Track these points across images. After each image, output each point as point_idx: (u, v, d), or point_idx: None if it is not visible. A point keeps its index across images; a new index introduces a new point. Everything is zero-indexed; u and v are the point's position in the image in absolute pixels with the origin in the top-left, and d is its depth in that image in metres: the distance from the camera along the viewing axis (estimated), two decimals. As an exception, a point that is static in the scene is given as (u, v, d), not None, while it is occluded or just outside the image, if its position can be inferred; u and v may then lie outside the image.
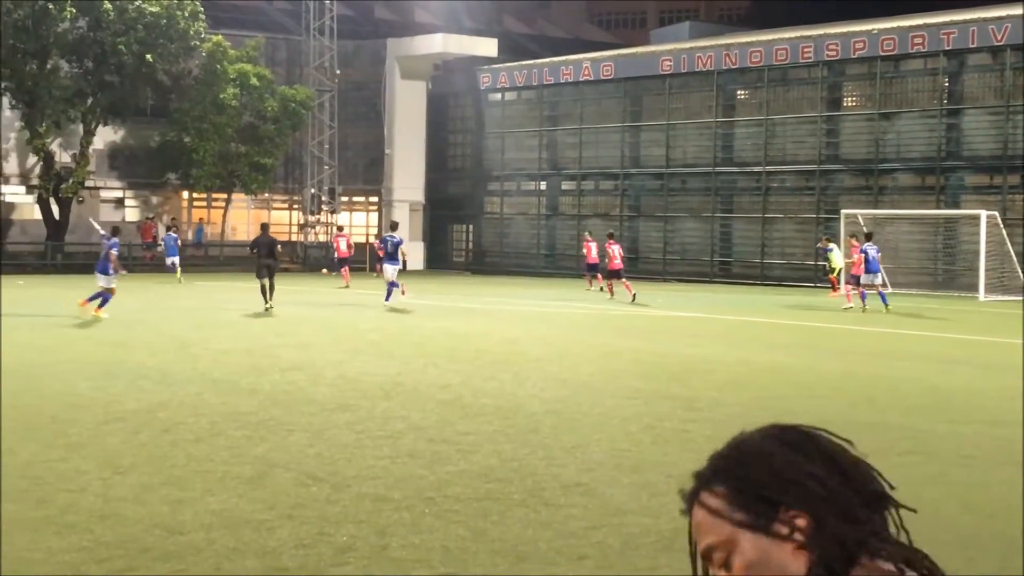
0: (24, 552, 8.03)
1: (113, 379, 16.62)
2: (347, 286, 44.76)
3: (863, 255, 35.78)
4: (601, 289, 42.92)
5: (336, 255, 48.74)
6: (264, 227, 36.65)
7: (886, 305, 34.28)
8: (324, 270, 54.24)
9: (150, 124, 60.57)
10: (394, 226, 38.45)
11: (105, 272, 28.40)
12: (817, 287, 48.55)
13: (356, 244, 65.27)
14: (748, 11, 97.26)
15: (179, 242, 49.92)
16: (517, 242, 62.39)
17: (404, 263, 36.48)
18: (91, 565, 7.74)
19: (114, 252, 28.62)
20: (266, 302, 31.47)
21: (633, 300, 36.96)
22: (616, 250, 40.46)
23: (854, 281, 36.74)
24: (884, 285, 36.53)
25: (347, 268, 48.26)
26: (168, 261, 49.31)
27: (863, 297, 35.37)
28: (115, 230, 30.14)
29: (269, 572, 7.66)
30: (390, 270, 35.06)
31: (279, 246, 35.77)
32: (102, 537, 8.40)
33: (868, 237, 37.71)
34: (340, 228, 55.46)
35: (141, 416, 13.55)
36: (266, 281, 32.16)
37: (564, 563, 7.95)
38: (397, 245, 34.22)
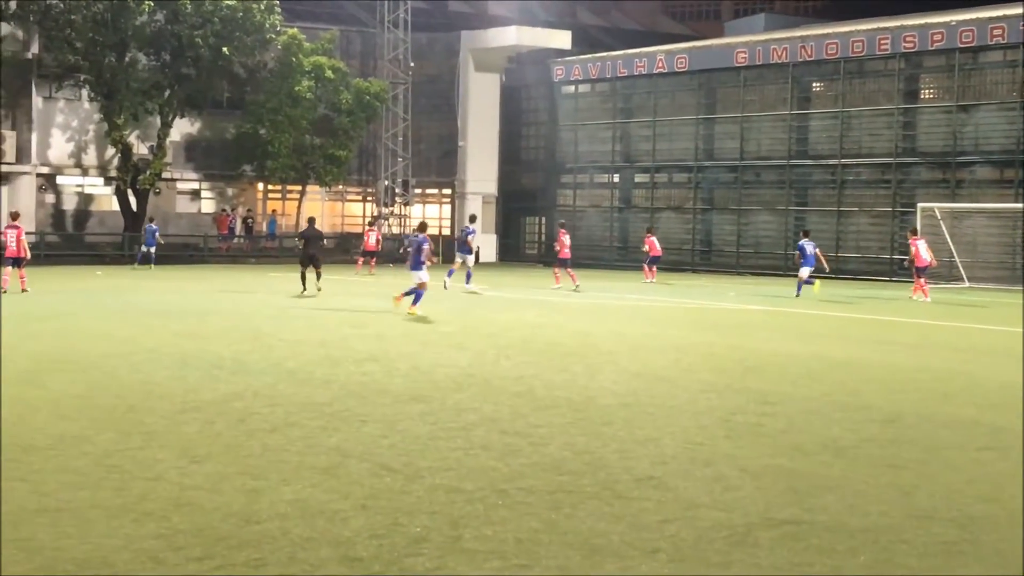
0: (103, 539, 8.13)
1: (189, 369, 16.78)
2: (371, 274, 46.59)
3: (800, 250, 38.87)
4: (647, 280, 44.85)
5: (363, 247, 48.96)
6: (311, 220, 38.76)
7: (798, 295, 37.32)
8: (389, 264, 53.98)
9: (226, 116, 61.14)
10: (472, 218, 40.54)
11: (418, 268, 28.59)
12: (893, 281, 48.11)
13: (432, 236, 65.60)
14: (824, 3, 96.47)
15: (157, 234, 49.89)
16: (590, 235, 62.30)
17: (476, 255, 37.95)
18: (168, 553, 7.82)
19: (426, 247, 29.06)
20: (304, 287, 34.78)
21: (575, 289, 38.95)
22: (567, 239, 41.62)
23: (919, 273, 37.84)
24: (811, 280, 38.57)
25: (373, 260, 48.83)
26: (143, 250, 49.32)
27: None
28: (423, 226, 30.80)
29: (343, 562, 7.70)
30: (468, 259, 38.77)
31: (323, 240, 38.32)
32: (179, 525, 8.48)
33: (805, 234, 40.63)
34: (372, 223, 55.57)
35: (217, 406, 13.67)
36: (308, 269, 35.14)
37: (636, 556, 7.94)
38: (469, 235, 35.10)
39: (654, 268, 46.35)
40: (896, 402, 15.02)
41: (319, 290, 34.70)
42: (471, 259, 39.60)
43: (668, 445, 11.80)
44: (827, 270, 40.78)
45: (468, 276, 38.67)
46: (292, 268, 51.08)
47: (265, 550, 7.90)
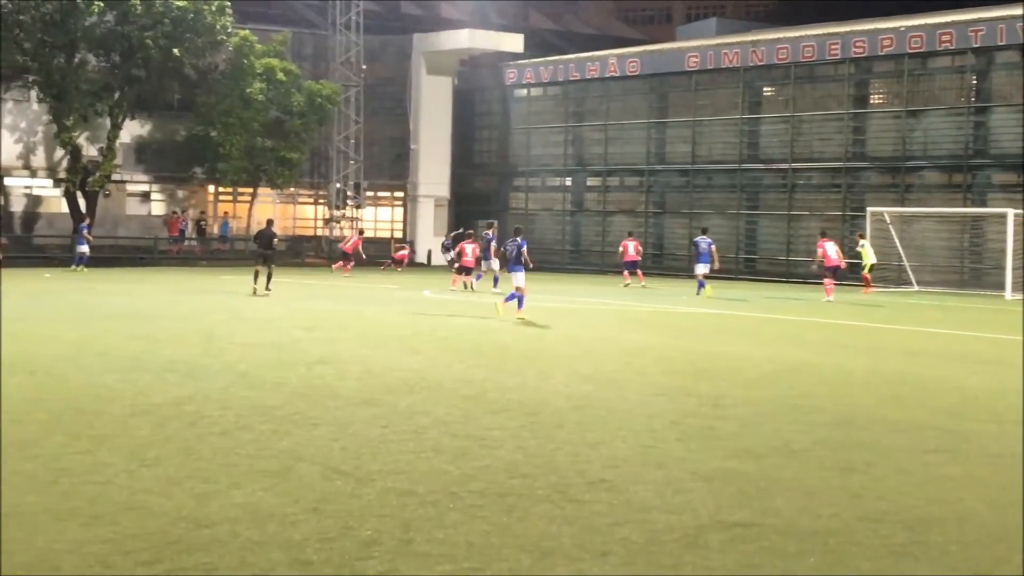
0: (51, 543, 8.06)
1: (140, 372, 16.66)
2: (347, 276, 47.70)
3: (695, 247, 40.87)
4: (626, 285, 44.67)
5: (343, 249, 50.08)
6: (268, 222, 39.91)
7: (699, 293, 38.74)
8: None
9: (177, 118, 60.82)
10: (490, 225, 41.66)
11: (519, 270, 28.95)
12: (844, 284, 48.41)
13: (380, 239, 65.64)
14: (775, 8, 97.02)
15: (88, 232, 49.81)
16: (542, 238, 62.37)
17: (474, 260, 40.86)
18: (117, 557, 7.76)
19: (524, 249, 29.72)
20: (255, 285, 35.80)
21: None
22: (471, 248, 42.14)
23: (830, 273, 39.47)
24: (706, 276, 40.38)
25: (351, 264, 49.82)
26: (78, 251, 49.10)
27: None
28: (517, 231, 31.44)
29: (294, 566, 7.66)
30: (492, 264, 40.15)
31: (276, 239, 38.78)
32: (128, 529, 8.42)
33: (703, 231, 42.51)
34: (362, 232, 55.83)
35: (167, 409, 13.59)
36: (261, 268, 36.30)
37: (588, 559, 7.95)
38: (490, 241, 34.53)
39: (637, 272, 46.42)
40: (847, 405, 15.11)
41: (268, 291, 35.42)
42: (495, 263, 39.89)
43: (620, 448, 11.82)
44: (716, 268, 41.11)
45: (496, 280, 39.57)
46: (244, 271, 50.94)
47: (215, 554, 7.86)
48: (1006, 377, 18.71)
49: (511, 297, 28.40)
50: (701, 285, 39.14)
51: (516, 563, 7.82)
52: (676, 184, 58.28)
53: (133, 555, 7.80)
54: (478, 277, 40.85)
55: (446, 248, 47.94)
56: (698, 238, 40.88)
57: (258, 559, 7.78)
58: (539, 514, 9.08)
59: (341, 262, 50.77)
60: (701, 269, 39.49)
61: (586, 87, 62.03)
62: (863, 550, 8.30)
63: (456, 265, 41.97)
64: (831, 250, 39.90)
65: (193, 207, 64.20)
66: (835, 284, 39.62)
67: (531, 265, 30.14)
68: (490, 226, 43.87)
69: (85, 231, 49.71)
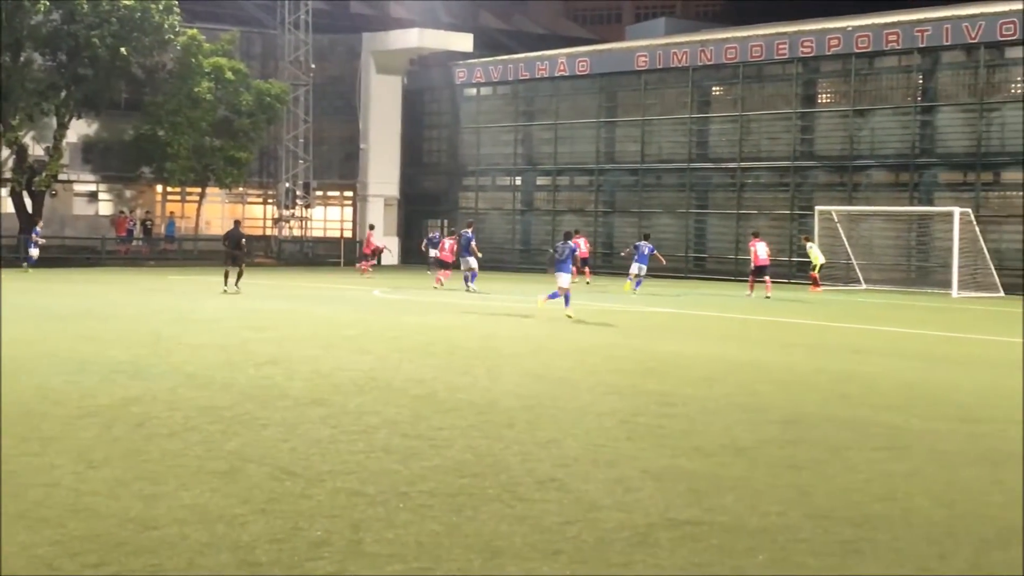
0: (-4, 547, 7.99)
1: (87, 373, 16.54)
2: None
3: (633, 249, 42.33)
4: (587, 283, 45.37)
5: (364, 249, 49.68)
6: (236, 223, 40.42)
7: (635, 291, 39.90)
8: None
9: (124, 117, 60.36)
10: (469, 224, 41.51)
11: (566, 270, 29.42)
12: (792, 283, 48.67)
13: (330, 239, 65.44)
14: (723, 8, 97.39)
15: (38, 234, 49.66)
16: (492, 237, 62.31)
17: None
18: (64, 560, 7.70)
19: (578, 252, 30.78)
20: (225, 285, 36.70)
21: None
22: (449, 243, 44.22)
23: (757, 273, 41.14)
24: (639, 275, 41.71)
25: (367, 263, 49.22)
26: (29, 252, 48.89)
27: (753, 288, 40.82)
28: (567, 234, 31.72)
29: (242, 567, 7.63)
30: (471, 261, 40.45)
31: (244, 239, 39.98)
32: (75, 531, 8.35)
33: (646, 237, 43.55)
34: (372, 227, 55.09)
35: (115, 410, 13.49)
36: (231, 267, 37.35)
37: (538, 558, 7.95)
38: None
39: (585, 270, 47.26)
40: (795, 403, 15.19)
41: (237, 289, 36.31)
42: (473, 261, 40.75)
43: (570, 447, 11.83)
44: (663, 263, 42.78)
45: (472, 277, 40.53)
46: (192, 271, 50.70)
47: (163, 556, 7.81)
48: (951, 375, 18.88)
49: (554, 296, 29.51)
50: (638, 283, 39.81)
51: (466, 563, 7.81)
52: (626, 183, 58.41)
53: (80, 557, 7.74)
54: (473, 276, 40.78)
55: (433, 244, 47.82)
56: (640, 243, 41.56)
57: (206, 561, 7.74)
58: (489, 513, 9.08)
59: (363, 263, 50.20)
60: (635, 268, 40.50)
61: (536, 86, 62.06)
62: (811, 547, 8.35)
63: (434, 257, 43.58)
64: (761, 250, 41.16)
65: (141, 207, 63.76)
66: (768, 282, 41.15)
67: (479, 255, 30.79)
68: (469, 224, 44.31)
69: (36, 234, 49.41)
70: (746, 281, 42.59)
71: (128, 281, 42.35)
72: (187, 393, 14.95)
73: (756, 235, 43.22)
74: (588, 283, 45.58)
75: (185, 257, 60.05)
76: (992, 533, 8.83)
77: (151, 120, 58.61)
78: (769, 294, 40.19)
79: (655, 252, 41.59)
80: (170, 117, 57.97)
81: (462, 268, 41.28)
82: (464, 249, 41.37)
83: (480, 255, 42.13)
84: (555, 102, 60.73)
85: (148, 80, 59.47)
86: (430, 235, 43.30)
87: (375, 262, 50.81)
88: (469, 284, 40.33)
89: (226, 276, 37.33)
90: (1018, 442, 12.66)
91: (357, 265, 50.43)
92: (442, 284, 41.90)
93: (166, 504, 9.18)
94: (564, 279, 29.21)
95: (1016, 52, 46.60)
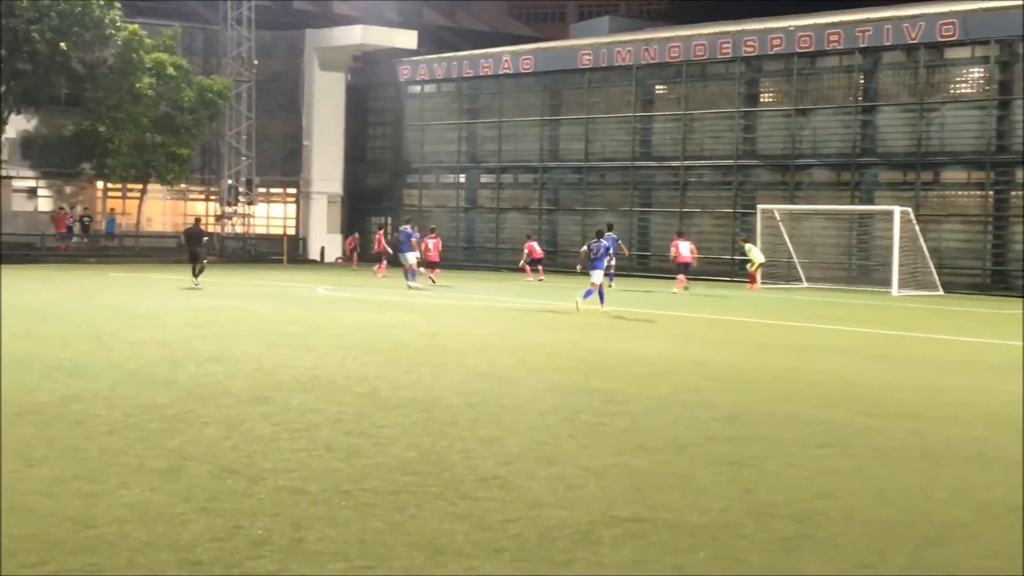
0: (-68, 546, 7.89)
1: (26, 371, 16.37)
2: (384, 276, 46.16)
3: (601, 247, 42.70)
4: (540, 280, 46.60)
5: (376, 249, 48.53)
6: (196, 220, 41.59)
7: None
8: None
9: (64, 113, 59.84)
10: (610, 227, 41.41)
11: (600, 268, 30.71)
12: (734, 281, 48.93)
13: (273, 236, 65.14)
14: (667, 7, 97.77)
15: None
16: (436, 234, 62.20)
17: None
18: (1, 559, 7.61)
19: (613, 250, 31.38)
20: (194, 277, 37.61)
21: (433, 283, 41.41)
22: (432, 243, 44.79)
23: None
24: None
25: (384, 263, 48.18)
26: None
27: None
28: (600, 232, 32.72)
29: (183, 566, 7.56)
30: (409, 257, 40.86)
31: (204, 237, 40.64)
32: (12, 531, 8.25)
33: (609, 228, 42.68)
34: (380, 227, 54.23)
35: (54, 408, 13.36)
36: (195, 264, 38.23)
37: (481, 556, 7.93)
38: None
39: (539, 268, 47.73)
40: (738, 401, 15.25)
41: (197, 284, 37.23)
42: (411, 257, 41.45)
43: (513, 445, 11.83)
44: (626, 255, 43.49)
45: (412, 274, 41.05)
46: (134, 268, 50.33)
47: (102, 555, 7.73)
48: (892, 372, 19.03)
49: (588, 294, 30.29)
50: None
51: (409, 561, 7.79)
52: (569, 181, 58.50)
53: (18, 557, 7.65)
54: (413, 274, 41.16)
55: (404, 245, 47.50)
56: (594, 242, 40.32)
57: (146, 560, 7.67)
58: (432, 511, 9.06)
59: (379, 266, 48.65)
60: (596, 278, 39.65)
61: (480, 84, 62.05)
62: (752, 544, 8.38)
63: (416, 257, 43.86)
64: (684, 248, 42.82)
65: (81, 203, 63.21)
66: (683, 279, 42.52)
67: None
68: (408, 220, 44.99)
69: None
70: (701, 279, 42.96)
71: (68, 278, 41.97)
72: (128, 391, 14.83)
73: (680, 234, 44.98)
74: (541, 280, 46.03)
75: (126, 254, 59.63)
76: (932, 530, 8.90)
77: (91, 116, 58.13)
78: (677, 289, 41.55)
79: (619, 242, 41.65)
80: (111, 113, 57.50)
81: (408, 262, 41.54)
82: (405, 244, 41.68)
83: (420, 253, 42.71)
84: (499, 100, 60.74)
85: (88, 75, 58.96)
86: (408, 232, 42.01)
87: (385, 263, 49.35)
88: (412, 279, 40.57)
89: (193, 271, 38.30)
90: (956, 438, 12.78)
91: (374, 268, 48.34)
92: (434, 282, 42.41)
93: (105, 503, 9.10)
94: (596, 276, 30.37)
95: (955, 53, 47.06)
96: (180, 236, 41.15)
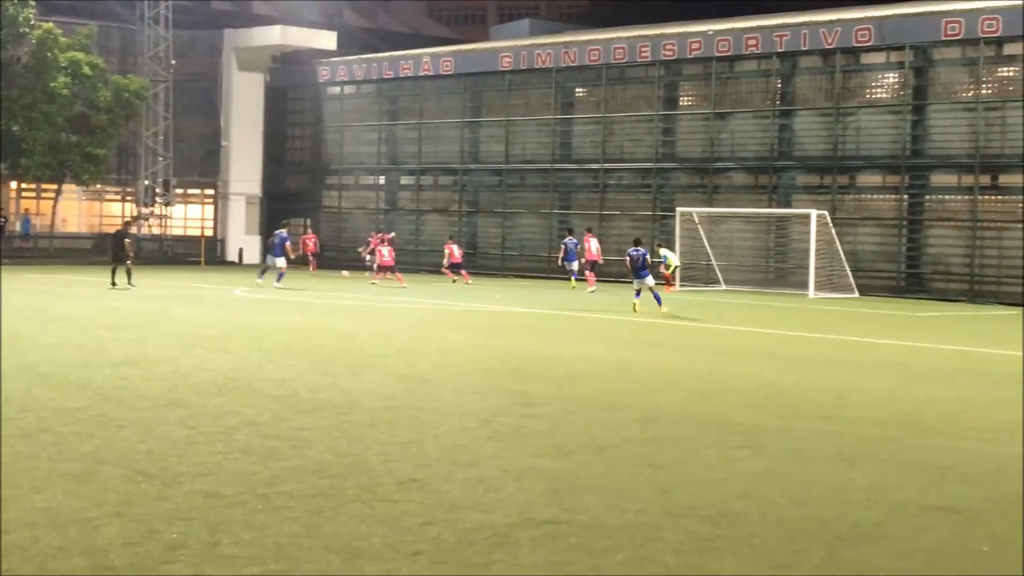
0: None
1: (-65, 374, 16.12)
2: (403, 287, 43.98)
3: (565, 246, 45.25)
4: (454, 281, 46.86)
5: (378, 262, 46.97)
6: (125, 223, 44.27)
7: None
8: (344, 272, 51.10)
9: (-24, 112, 58.86)
10: (637, 241, 40.39)
11: (647, 274, 32.86)
12: (657, 284, 49.11)
13: (190, 237, 64.57)
14: (587, 10, 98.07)
15: None
16: (356, 237, 61.95)
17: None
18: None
19: (642, 257, 32.66)
20: (113, 281, 37.90)
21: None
22: (387, 250, 45.65)
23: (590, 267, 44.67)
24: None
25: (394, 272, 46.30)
26: None
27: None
28: (637, 240, 34.25)
29: (96, 571, 7.48)
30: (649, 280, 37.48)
31: (127, 239, 40.50)
32: (-80, 537, 8.13)
33: (570, 232, 45.98)
34: (385, 232, 52.45)
35: (-36, 412, 13.17)
36: (119, 266, 38.60)
37: (398, 559, 7.92)
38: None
39: (462, 272, 47.82)
40: (657, 403, 15.33)
41: (132, 286, 37.38)
42: (282, 261, 41.88)
43: (431, 447, 11.81)
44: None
45: (280, 276, 41.40)
46: (49, 269, 49.71)
47: (14, 560, 7.63)
48: (808, 374, 19.22)
49: (657, 298, 32.26)
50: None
51: (326, 564, 7.76)
52: (489, 183, 58.49)
53: (-74, 563, 7.53)
54: (280, 276, 41.52)
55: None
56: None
57: (59, 565, 7.58)
58: (349, 514, 9.03)
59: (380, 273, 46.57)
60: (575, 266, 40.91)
61: (400, 86, 61.88)
62: (669, 545, 8.42)
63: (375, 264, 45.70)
64: (594, 246, 45.19)
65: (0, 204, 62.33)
66: (592, 276, 44.47)
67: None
68: (285, 225, 46.14)
69: None
70: (621, 281, 43.14)
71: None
72: (41, 393, 14.66)
73: (589, 231, 46.74)
74: (468, 283, 46.05)
75: (41, 255, 58.85)
76: (846, 530, 8.99)
77: (5, 115, 57.20)
78: (593, 288, 43.29)
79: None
80: (25, 112, 56.64)
81: (273, 266, 42.04)
82: (278, 248, 42.30)
83: (292, 256, 44.12)
84: (419, 101, 60.61)
85: (2, 74, 58.06)
86: (283, 235, 41.82)
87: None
88: (275, 281, 41.06)
89: (113, 272, 38.54)
90: (871, 439, 12.92)
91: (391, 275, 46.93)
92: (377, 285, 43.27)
93: (17, 507, 8.98)
94: (649, 280, 32.79)
95: (871, 58, 47.59)
96: (109, 239, 41.75)
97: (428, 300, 36.20)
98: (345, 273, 50.11)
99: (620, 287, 41.22)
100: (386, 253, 45.43)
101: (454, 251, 48.22)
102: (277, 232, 43.80)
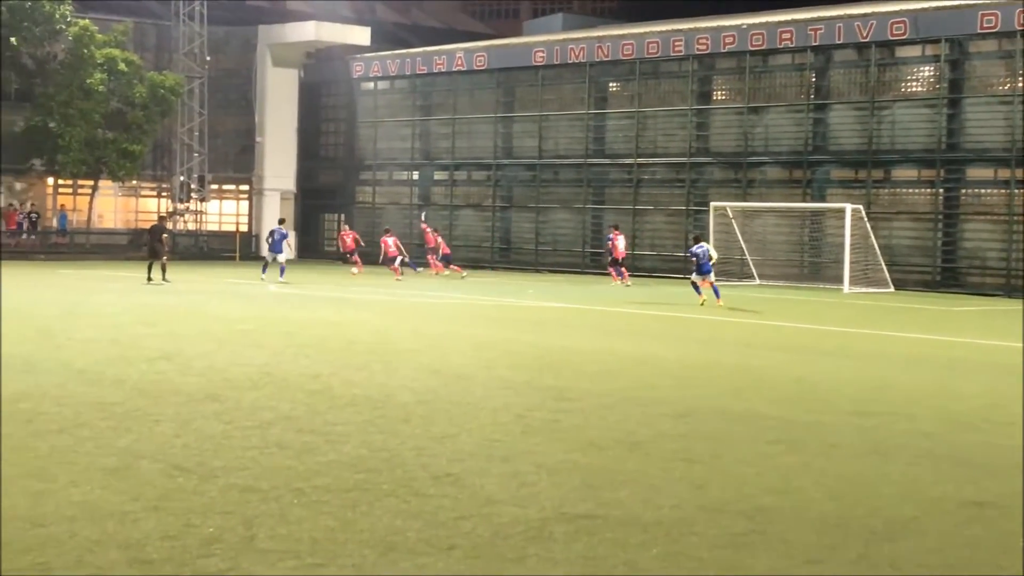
0: None
1: (-27, 369, 16.23)
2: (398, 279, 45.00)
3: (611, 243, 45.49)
4: (462, 277, 46.75)
5: (385, 254, 47.16)
6: (161, 218, 44.39)
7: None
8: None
9: (14, 109, 59.25)
10: (281, 221, 41.79)
11: (708, 269, 33.56)
12: (687, 278, 49.02)
13: (225, 233, 64.80)
14: (620, 4, 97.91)
15: None
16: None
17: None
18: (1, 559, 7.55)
19: (705, 254, 33.72)
20: (149, 276, 38.01)
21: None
22: (392, 241, 46.55)
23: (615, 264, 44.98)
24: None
25: (395, 265, 46.88)
26: None
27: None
28: (697, 238, 35.25)
29: (133, 564, 7.52)
30: (279, 257, 42.04)
31: (164, 234, 40.83)
32: (-41, 530, 8.19)
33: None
34: (388, 230, 52.02)
35: (3, 406, 13.25)
36: (154, 261, 38.68)
37: (433, 553, 7.93)
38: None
39: (451, 265, 48.32)
40: (689, 397, 15.31)
41: (167, 282, 37.56)
42: (282, 256, 42.21)
43: (465, 442, 11.83)
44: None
45: (281, 271, 41.67)
46: (85, 265, 49.99)
47: (51, 554, 7.68)
48: (842, 369, 19.15)
49: (716, 292, 33.41)
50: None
51: (361, 558, 7.78)
52: (523, 178, 58.50)
53: (-35, 556, 7.59)
54: (282, 270, 41.88)
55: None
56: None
57: (95, 559, 7.62)
58: (384, 509, 9.05)
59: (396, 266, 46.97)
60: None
61: (433, 81, 61.95)
62: (704, 540, 8.41)
63: (381, 258, 46.40)
64: (620, 243, 45.01)
65: (30, 200, 62.65)
66: (616, 273, 44.75)
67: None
68: (282, 221, 46.07)
69: None
70: (655, 276, 43.02)
71: (18, 275, 41.61)
72: (77, 389, 14.74)
73: (615, 228, 46.10)
74: (463, 277, 46.13)
75: (77, 251, 59.17)
76: (881, 525, 8.96)
77: (42, 112, 57.63)
78: (625, 283, 43.87)
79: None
80: (62, 108, 57.02)
81: (277, 260, 42.14)
82: (277, 243, 42.49)
83: (292, 252, 45.27)
84: (452, 97, 60.66)
85: (39, 71, 58.47)
86: (283, 232, 42.26)
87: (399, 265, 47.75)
88: (279, 276, 41.34)
89: (149, 268, 38.56)
90: (906, 434, 12.88)
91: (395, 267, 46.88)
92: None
93: (55, 501, 9.04)
94: (711, 277, 33.73)
95: (906, 51, 47.37)
96: (145, 234, 41.79)
97: (461, 295, 36.22)
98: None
99: (653, 282, 41.15)
100: (391, 243, 45.57)
101: (389, 244, 47.14)
102: (275, 228, 43.83)
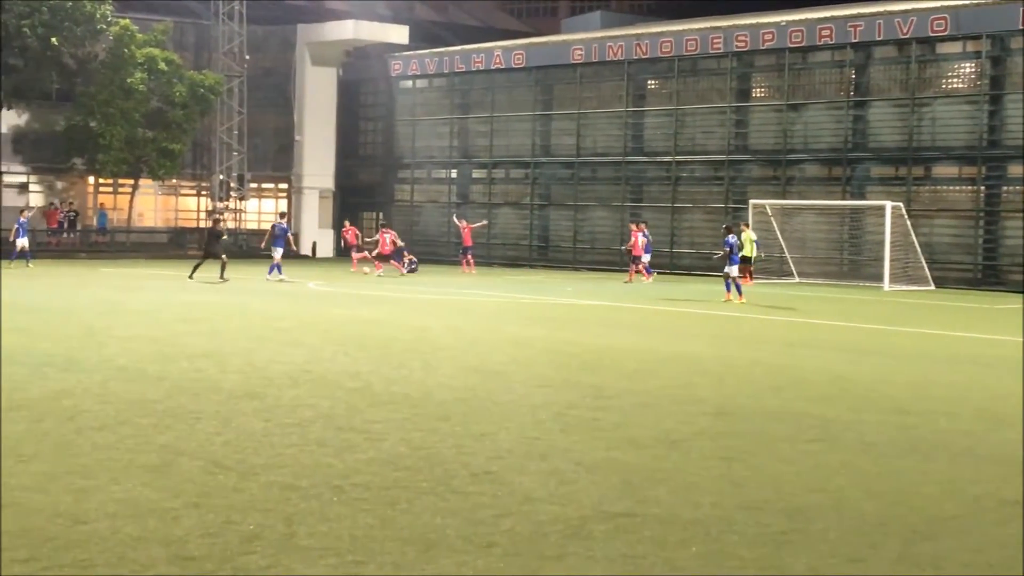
0: (-77, 542, 7.88)
1: (17, 366, 16.34)
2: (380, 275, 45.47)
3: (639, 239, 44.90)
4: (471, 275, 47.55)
5: (379, 250, 46.88)
6: (215, 219, 44.16)
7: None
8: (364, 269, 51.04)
9: (55, 108, 59.62)
10: (282, 215, 42.26)
11: (735, 262, 34.38)
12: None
13: (264, 231, 64.91)
14: (658, 2, 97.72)
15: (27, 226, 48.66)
16: (427, 230, 62.28)
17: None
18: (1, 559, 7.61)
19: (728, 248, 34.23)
20: (192, 272, 38.87)
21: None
22: (389, 237, 46.26)
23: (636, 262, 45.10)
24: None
25: (395, 262, 46.91)
26: (18, 246, 47.64)
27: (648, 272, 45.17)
28: (728, 229, 35.69)
29: (174, 561, 7.57)
30: (733, 269, 37.69)
31: (221, 236, 41.98)
32: (4, 526, 8.25)
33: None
34: (385, 225, 52.04)
35: (45, 403, 13.35)
36: (212, 260, 39.37)
37: (472, 551, 7.95)
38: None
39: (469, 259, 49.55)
40: (728, 395, 15.27)
41: (224, 280, 38.07)
42: (277, 254, 41.68)
43: (504, 440, 11.84)
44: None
45: (275, 268, 41.20)
46: (125, 263, 50.26)
47: (93, 550, 7.74)
48: (882, 367, 19.06)
49: (738, 288, 33.61)
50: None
51: (400, 556, 7.80)
52: (561, 176, 58.46)
53: (9, 552, 7.65)
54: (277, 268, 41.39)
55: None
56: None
57: (137, 555, 7.67)
58: (423, 506, 9.07)
59: (394, 263, 46.84)
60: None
61: (471, 79, 61.99)
62: (743, 538, 8.40)
63: (374, 253, 45.80)
64: (640, 240, 44.98)
65: (69, 199, 62.98)
66: (635, 270, 45.04)
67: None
68: (283, 216, 46.62)
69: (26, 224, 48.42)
70: (693, 274, 42.85)
71: (59, 273, 41.92)
72: (118, 386, 14.83)
73: (636, 224, 46.62)
74: (472, 274, 46.27)
75: (118, 249, 59.48)
76: (922, 524, 8.93)
77: (83, 111, 57.94)
78: (649, 281, 44.34)
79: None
80: (102, 108, 57.30)
81: (275, 257, 41.71)
82: (279, 239, 41.94)
83: (295, 248, 44.84)
84: (491, 95, 60.68)
85: (80, 70, 58.77)
86: (283, 227, 42.07)
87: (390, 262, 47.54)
88: (278, 273, 40.94)
89: (196, 267, 39.34)
90: (946, 433, 12.81)
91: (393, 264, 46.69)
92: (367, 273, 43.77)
93: (97, 498, 9.10)
94: (733, 270, 34.22)
95: (947, 48, 47.10)
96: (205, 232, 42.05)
97: (499, 293, 36.24)
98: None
99: (691, 280, 41.04)
100: (388, 240, 45.44)
101: (386, 241, 46.57)
102: (277, 223, 43.53)
